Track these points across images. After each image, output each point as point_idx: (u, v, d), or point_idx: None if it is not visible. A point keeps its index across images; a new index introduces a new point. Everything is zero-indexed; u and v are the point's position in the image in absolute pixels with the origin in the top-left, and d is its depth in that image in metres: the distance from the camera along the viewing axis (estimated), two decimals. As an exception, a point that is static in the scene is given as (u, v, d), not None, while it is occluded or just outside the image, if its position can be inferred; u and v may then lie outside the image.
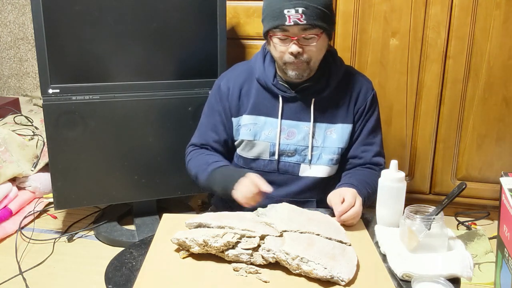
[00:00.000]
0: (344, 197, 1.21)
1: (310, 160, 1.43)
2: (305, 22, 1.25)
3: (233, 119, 1.46)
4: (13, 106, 2.46)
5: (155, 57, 1.93)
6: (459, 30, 2.03)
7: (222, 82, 1.49)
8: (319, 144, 1.43)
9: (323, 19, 1.28)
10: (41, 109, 2.17)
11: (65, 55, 1.83)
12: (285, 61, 1.33)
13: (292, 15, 1.25)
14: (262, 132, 1.44)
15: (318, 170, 1.44)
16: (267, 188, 1.24)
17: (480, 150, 2.16)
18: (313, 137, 1.42)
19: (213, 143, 1.49)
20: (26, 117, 2.40)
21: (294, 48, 1.29)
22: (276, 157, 1.43)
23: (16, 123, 2.33)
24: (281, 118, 1.42)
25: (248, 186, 1.26)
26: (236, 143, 1.49)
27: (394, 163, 1.18)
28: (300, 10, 1.24)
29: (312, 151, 1.42)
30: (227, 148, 1.52)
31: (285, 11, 1.25)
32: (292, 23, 1.26)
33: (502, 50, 2.02)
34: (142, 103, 1.96)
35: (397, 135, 2.20)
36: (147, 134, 2.01)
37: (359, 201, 1.22)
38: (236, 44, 2.21)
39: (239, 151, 1.49)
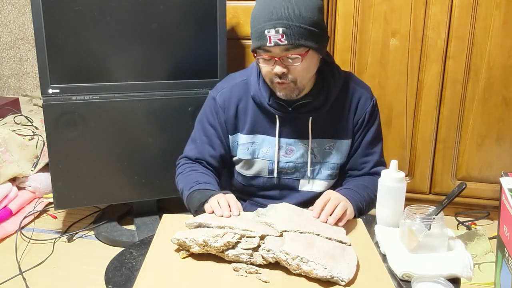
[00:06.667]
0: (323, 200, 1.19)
1: (309, 176, 1.41)
2: (286, 42, 1.18)
3: (230, 136, 1.41)
4: (13, 106, 2.46)
5: (155, 57, 1.93)
6: (459, 30, 2.03)
7: (217, 96, 1.40)
8: (318, 160, 1.39)
9: (307, 37, 1.20)
10: (41, 109, 2.16)
11: (65, 55, 1.83)
12: (272, 81, 1.28)
13: (273, 35, 1.18)
14: (260, 150, 1.39)
15: (317, 184, 1.42)
16: (234, 211, 1.18)
17: (480, 150, 2.16)
18: (312, 153, 1.38)
19: (209, 157, 1.42)
20: (26, 117, 2.40)
21: (278, 69, 1.22)
22: (275, 174, 1.40)
23: (16, 123, 2.33)
24: (279, 137, 1.38)
25: (221, 200, 1.20)
26: (234, 159, 1.44)
27: (394, 163, 1.18)
28: (281, 30, 1.16)
29: (311, 166, 1.39)
30: (223, 163, 1.45)
31: (266, 32, 1.18)
32: (273, 44, 1.19)
33: (502, 50, 2.02)
34: (142, 103, 1.96)
35: (397, 135, 2.20)
36: (147, 134, 2.01)
37: (336, 196, 1.21)
38: (236, 44, 2.21)
39: (238, 168, 1.45)
